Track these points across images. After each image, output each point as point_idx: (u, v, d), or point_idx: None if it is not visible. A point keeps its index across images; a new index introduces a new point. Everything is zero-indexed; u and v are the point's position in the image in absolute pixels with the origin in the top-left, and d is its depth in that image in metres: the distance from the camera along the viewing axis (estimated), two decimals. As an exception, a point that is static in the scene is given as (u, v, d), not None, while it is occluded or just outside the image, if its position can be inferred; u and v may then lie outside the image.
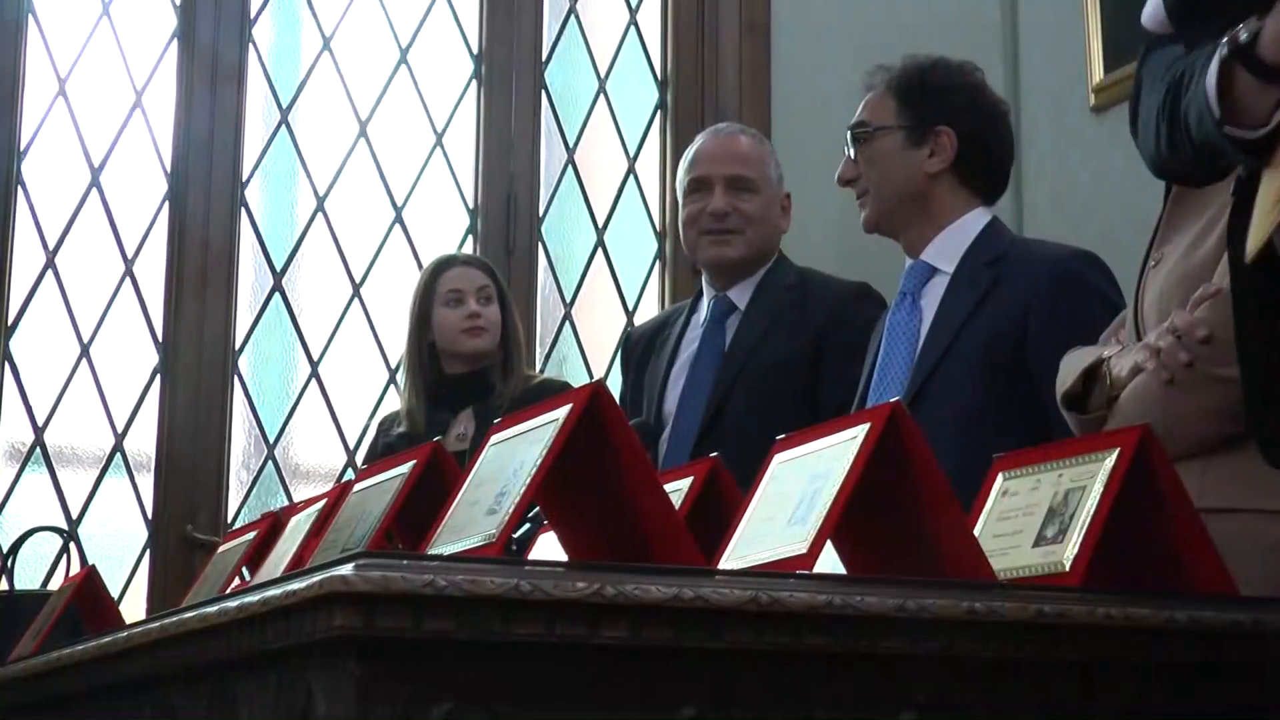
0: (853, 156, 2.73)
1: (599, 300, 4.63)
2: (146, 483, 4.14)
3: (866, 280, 3.19)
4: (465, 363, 3.55)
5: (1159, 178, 1.87)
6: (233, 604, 1.40)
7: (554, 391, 3.28)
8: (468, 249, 4.43)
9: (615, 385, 3.43)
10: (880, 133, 2.70)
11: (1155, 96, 1.69)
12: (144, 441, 4.16)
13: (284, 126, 4.41)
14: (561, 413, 1.51)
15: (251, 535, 2.43)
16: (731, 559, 1.50)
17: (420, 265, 4.24)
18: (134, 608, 4.04)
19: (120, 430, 4.15)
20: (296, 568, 2.00)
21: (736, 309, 3.16)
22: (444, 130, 4.54)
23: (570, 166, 4.64)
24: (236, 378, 4.24)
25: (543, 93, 4.62)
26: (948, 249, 2.67)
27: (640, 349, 3.32)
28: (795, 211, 3.29)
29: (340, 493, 2.15)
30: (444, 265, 3.63)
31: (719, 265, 3.16)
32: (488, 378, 3.53)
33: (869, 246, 3.06)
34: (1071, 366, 2.09)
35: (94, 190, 4.24)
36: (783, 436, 1.59)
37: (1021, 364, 2.49)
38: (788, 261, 3.24)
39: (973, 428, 2.46)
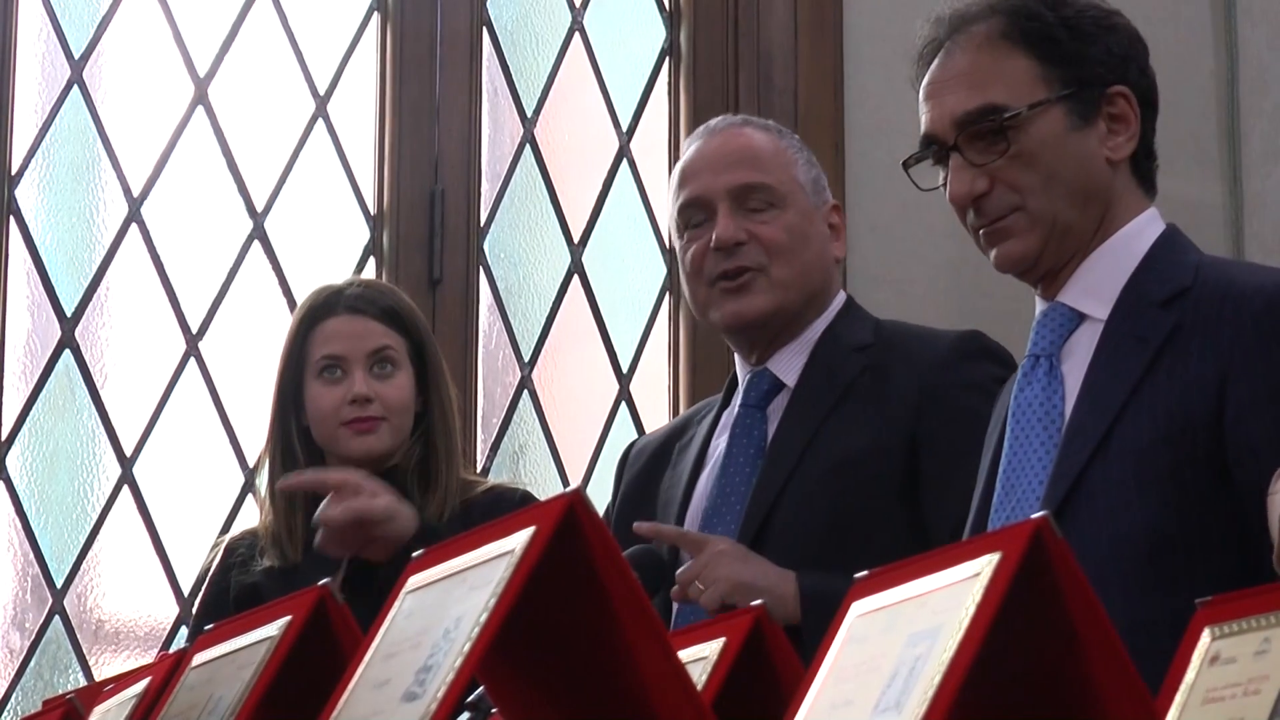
0: (974, 161, 2.66)
1: (574, 358, 4.65)
2: None
3: (992, 324, 3.19)
4: (355, 463, 3.54)
5: None
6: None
7: (508, 506, 3.30)
8: (369, 275, 4.43)
9: (602, 500, 3.44)
10: (1034, 113, 2.67)
11: None
12: None
13: (76, 88, 4.44)
14: (519, 540, 1.53)
15: (31, 735, 2.45)
16: (787, 767, 1.53)
17: (292, 304, 4.27)
18: None
19: None
20: (104, 786, 2.02)
21: (784, 386, 3.20)
22: (329, 91, 4.58)
23: (529, 147, 4.67)
24: (3, 484, 4.26)
25: (484, 31, 4.66)
26: (1100, 282, 2.66)
27: (644, 460, 3.36)
28: (885, 217, 3.31)
29: (171, 666, 2.16)
30: (319, 312, 3.58)
31: (742, 325, 3.19)
32: (397, 483, 3.53)
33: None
34: None
35: None
36: (864, 575, 1.62)
37: (1217, 457, 2.49)
38: (858, 310, 3.28)
39: (1146, 559, 2.48)
